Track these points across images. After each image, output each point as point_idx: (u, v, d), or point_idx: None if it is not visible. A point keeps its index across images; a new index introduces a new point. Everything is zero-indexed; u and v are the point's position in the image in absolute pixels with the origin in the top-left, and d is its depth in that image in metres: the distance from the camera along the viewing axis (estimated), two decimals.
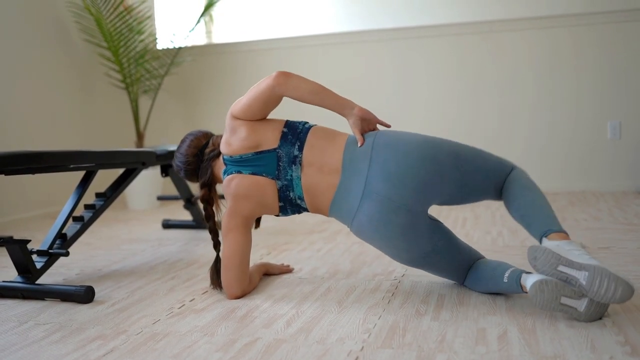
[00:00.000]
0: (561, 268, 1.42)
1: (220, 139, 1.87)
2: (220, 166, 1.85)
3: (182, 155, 1.92)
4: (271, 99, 1.69)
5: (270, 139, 1.72)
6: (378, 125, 1.84)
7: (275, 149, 1.71)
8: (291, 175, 1.70)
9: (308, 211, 1.75)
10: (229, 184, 1.75)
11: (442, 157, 1.61)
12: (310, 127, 1.76)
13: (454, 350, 1.31)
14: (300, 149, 1.70)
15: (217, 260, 1.84)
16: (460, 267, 1.72)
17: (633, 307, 1.55)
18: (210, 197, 1.85)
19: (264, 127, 1.74)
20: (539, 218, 1.57)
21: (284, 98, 1.71)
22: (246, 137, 1.73)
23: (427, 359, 1.27)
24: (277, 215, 1.78)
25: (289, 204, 1.74)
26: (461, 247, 1.72)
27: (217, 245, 1.85)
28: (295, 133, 1.73)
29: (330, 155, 1.68)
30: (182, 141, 1.95)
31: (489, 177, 1.66)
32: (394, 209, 1.58)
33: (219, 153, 1.86)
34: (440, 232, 1.67)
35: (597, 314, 1.43)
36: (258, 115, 1.73)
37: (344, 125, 1.96)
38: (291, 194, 1.72)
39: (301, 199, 1.71)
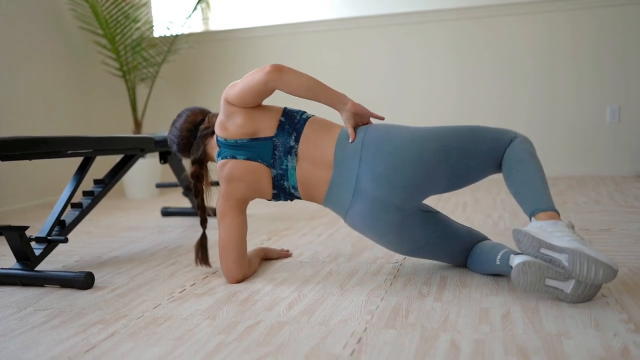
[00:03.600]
0: (543, 250, 1.41)
1: (216, 118, 1.85)
2: (213, 145, 1.83)
3: (177, 129, 1.90)
4: (264, 93, 1.68)
5: (267, 127, 1.71)
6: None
7: (271, 138, 1.70)
8: (286, 165, 1.70)
9: (301, 199, 1.75)
10: (223, 168, 1.74)
11: (428, 156, 1.57)
12: (308, 117, 1.74)
13: (457, 330, 1.31)
14: (297, 140, 1.69)
15: (203, 237, 1.85)
16: (459, 252, 1.72)
17: (636, 286, 1.54)
18: (201, 174, 1.84)
19: (262, 114, 1.73)
20: (528, 196, 1.53)
21: None
22: (243, 124, 1.71)
23: (431, 339, 1.26)
24: (269, 200, 1.79)
25: (283, 192, 1.74)
26: (459, 234, 1.71)
27: (203, 222, 1.85)
28: (292, 123, 1.72)
29: (323, 150, 1.68)
30: (179, 115, 1.93)
31: (484, 159, 1.61)
32: (384, 207, 1.59)
33: (213, 132, 1.84)
34: (433, 224, 1.66)
35: (586, 296, 1.41)
36: (251, 104, 1.71)
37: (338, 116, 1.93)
38: (285, 184, 1.72)
39: (295, 188, 1.72)
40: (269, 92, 1.68)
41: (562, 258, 1.38)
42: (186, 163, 3.38)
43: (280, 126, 1.71)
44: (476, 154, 1.61)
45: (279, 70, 1.63)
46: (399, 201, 1.59)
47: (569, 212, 2.63)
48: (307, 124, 1.72)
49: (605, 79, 3.84)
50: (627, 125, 3.83)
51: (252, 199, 1.79)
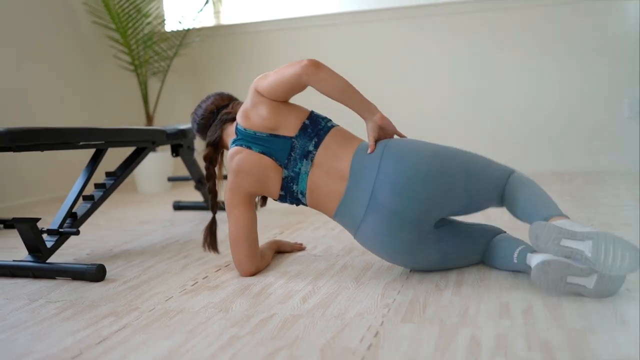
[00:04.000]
0: (564, 242, 1.37)
1: (240, 106, 1.82)
2: (230, 133, 1.80)
3: (201, 109, 1.90)
4: (296, 87, 1.64)
5: (289, 126, 1.67)
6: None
7: (291, 138, 1.66)
8: (299, 169, 1.65)
9: (307, 206, 1.71)
10: (234, 156, 1.71)
11: (453, 171, 1.55)
12: (332, 126, 1.70)
13: (477, 324, 1.27)
14: (316, 146, 1.65)
15: (213, 222, 1.81)
16: (475, 254, 1.68)
17: None
18: (215, 158, 1.81)
19: (287, 112, 1.69)
20: (539, 207, 1.53)
21: None
22: (267, 117, 1.67)
23: (451, 333, 1.23)
24: (275, 200, 1.75)
25: (290, 195, 1.70)
26: (474, 238, 1.66)
27: (214, 207, 1.82)
28: (316, 128, 1.67)
29: (339, 160, 1.63)
30: (207, 97, 1.93)
31: (494, 185, 1.61)
32: (400, 223, 1.53)
33: (234, 119, 1.82)
34: (449, 237, 1.61)
35: (609, 290, 1.37)
36: (281, 97, 1.68)
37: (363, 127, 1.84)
38: (294, 187, 1.67)
39: (303, 194, 1.67)
40: (301, 87, 1.64)
41: (585, 247, 1.34)
42: (199, 156, 3.36)
43: (303, 128, 1.67)
44: (489, 179, 1.60)
45: (315, 66, 1.59)
46: (417, 216, 1.53)
47: (590, 207, 2.57)
48: (330, 132, 1.68)
49: (623, 71, 3.76)
50: None
51: (259, 195, 1.75)
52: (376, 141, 1.63)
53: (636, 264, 1.31)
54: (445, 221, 1.66)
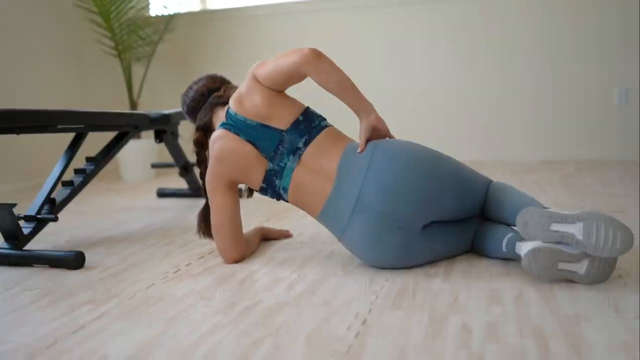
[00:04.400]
0: (554, 227, 1.35)
1: (233, 91, 1.76)
2: (221, 117, 1.74)
3: (192, 90, 1.84)
4: (295, 76, 1.58)
5: (282, 119, 1.62)
6: None
7: (282, 131, 1.61)
8: (285, 164, 1.60)
9: (287, 202, 1.66)
10: (217, 140, 1.65)
11: (443, 175, 1.51)
12: (326, 126, 1.65)
13: (468, 311, 1.23)
14: (306, 143, 1.60)
15: (206, 207, 1.76)
16: (466, 244, 1.64)
17: None
18: (205, 142, 1.76)
19: (282, 103, 1.63)
20: (522, 203, 1.51)
21: None
22: (260, 105, 1.62)
23: (440, 320, 1.19)
24: (256, 191, 1.69)
25: (271, 189, 1.64)
26: (465, 229, 1.62)
27: (206, 192, 1.75)
28: (308, 125, 1.62)
29: (327, 160, 1.58)
30: (199, 78, 1.86)
31: (480, 192, 1.59)
32: (388, 227, 1.47)
33: (225, 103, 1.76)
34: (437, 235, 1.55)
35: (601, 276, 1.34)
36: (278, 86, 1.62)
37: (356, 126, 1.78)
38: (277, 182, 1.62)
39: (285, 190, 1.61)
40: (300, 77, 1.58)
41: (576, 229, 1.31)
42: (186, 139, 3.30)
43: (295, 124, 1.62)
44: (476, 185, 1.59)
45: (317, 56, 1.53)
46: (405, 219, 1.47)
47: (580, 195, 2.55)
48: (323, 132, 1.62)
49: (613, 60, 3.74)
50: (635, 107, 3.74)
51: (240, 183, 1.69)
52: (367, 141, 1.58)
53: (628, 244, 1.29)
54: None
